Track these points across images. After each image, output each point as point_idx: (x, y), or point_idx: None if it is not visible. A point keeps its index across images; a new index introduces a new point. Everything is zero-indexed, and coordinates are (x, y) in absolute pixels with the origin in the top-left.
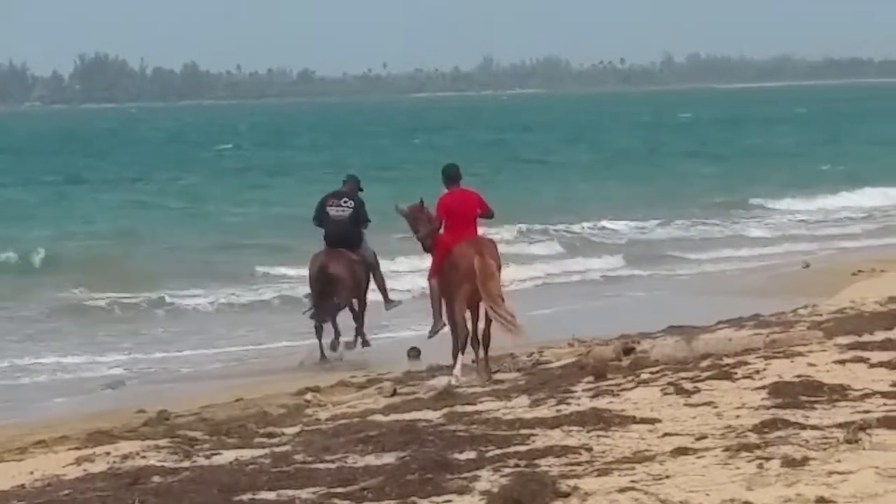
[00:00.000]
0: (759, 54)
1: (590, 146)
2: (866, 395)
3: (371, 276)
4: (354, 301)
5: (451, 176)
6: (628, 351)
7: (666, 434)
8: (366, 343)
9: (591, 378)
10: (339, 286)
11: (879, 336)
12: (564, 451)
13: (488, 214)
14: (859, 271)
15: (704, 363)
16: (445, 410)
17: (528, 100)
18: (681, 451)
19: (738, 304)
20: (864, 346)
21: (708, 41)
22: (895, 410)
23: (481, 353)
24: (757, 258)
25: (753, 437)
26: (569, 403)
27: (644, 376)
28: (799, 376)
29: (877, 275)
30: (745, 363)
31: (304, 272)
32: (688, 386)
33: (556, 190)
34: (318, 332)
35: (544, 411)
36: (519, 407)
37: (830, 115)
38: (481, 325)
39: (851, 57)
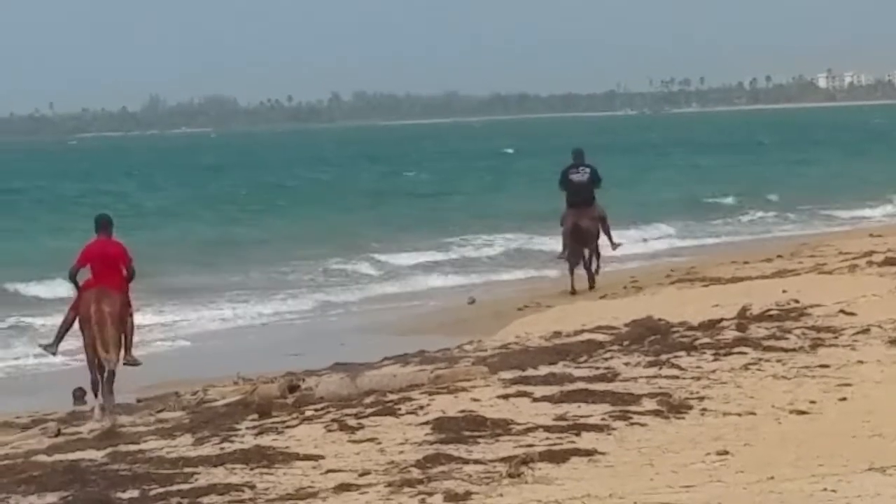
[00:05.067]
0: (427, 91)
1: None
2: (529, 430)
3: (600, 226)
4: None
5: (101, 224)
6: (293, 388)
7: (329, 470)
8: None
9: (255, 416)
10: (588, 237)
11: (543, 371)
12: (227, 488)
13: (129, 271)
14: (525, 306)
15: (368, 399)
16: (109, 450)
17: (197, 138)
18: (344, 487)
19: (404, 340)
20: (528, 381)
21: (374, 79)
22: (557, 444)
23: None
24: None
25: (416, 473)
26: (232, 441)
27: (308, 413)
28: (462, 411)
29: (542, 309)
30: (410, 399)
31: None
32: (352, 422)
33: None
34: (572, 272)
35: (208, 449)
36: (182, 445)
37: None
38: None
39: (519, 93)
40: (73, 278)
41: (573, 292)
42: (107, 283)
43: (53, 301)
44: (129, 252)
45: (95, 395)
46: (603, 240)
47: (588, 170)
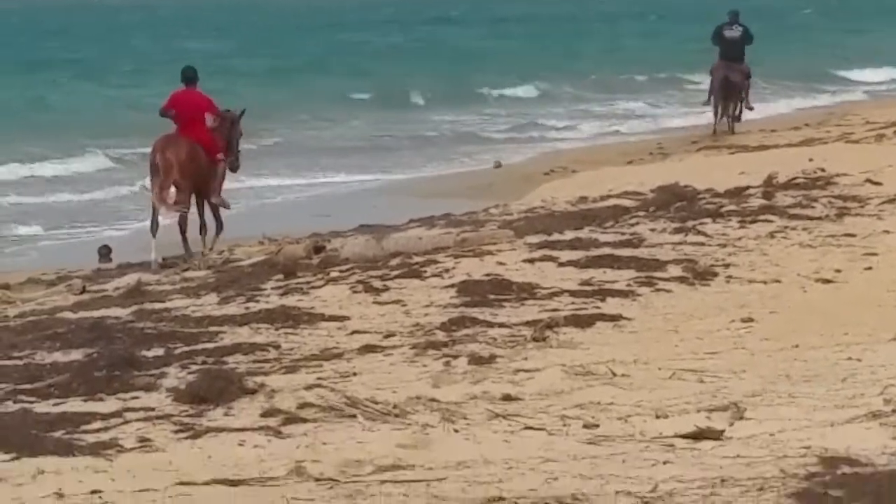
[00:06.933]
0: None
1: None
2: (554, 294)
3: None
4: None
5: (188, 76)
6: (319, 249)
7: (354, 332)
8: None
9: (280, 276)
10: (736, 89)
11: (569, 235)
12: (252, 348)
13: (219, 114)
14: (551, 171)
15: (394, 262)
16: (134, 308)
17: None
18: (368, 349)
19: (430, 203)
20: (554, 246)
21: None
22: (582, 309)
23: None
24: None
25: (441, 335)
26: (258, 301)
27: (334, 274)
28: (488, 275)
29: (568, 174)
30: (435, 262)
31: None
32: (377, 284)
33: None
34: (717, 115)
35: (233, 309)
36: (208, 304)
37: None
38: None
39: None
40: (162, 116)
41: (714, 133)
42: (182, 132)
43: None
44: (216, 102)
45: (153, 235)
46: None
47: (741, 28)
